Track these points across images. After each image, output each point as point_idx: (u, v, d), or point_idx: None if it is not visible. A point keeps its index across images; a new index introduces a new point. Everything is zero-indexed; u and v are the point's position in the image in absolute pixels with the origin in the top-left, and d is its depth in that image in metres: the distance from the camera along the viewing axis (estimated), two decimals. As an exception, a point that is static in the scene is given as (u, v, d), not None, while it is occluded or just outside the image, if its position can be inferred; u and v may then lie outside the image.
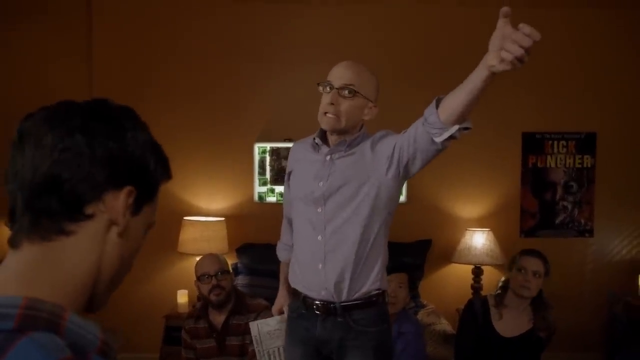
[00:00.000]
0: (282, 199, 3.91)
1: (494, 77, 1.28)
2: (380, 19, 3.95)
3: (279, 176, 3.94)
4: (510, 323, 2.34)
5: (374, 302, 1.75)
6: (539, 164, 3.99)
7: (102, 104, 0.71)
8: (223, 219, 3.81)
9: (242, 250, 3.84)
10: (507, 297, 2.37)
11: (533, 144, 3.98)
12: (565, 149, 3.98)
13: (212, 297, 2.45)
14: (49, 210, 0.65)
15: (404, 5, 3.93)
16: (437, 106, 1.47)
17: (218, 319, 2.49)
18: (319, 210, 1.75)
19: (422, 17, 3.95)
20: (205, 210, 3.93)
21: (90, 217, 0.67)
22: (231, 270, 2.62)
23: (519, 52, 1.15)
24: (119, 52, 3.92)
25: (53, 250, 0.65)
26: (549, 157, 3.98)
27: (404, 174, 1.68)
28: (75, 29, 3.89)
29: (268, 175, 3.96)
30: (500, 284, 2.45)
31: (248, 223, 3.95)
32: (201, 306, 2.60)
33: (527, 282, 2.31)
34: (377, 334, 1.75)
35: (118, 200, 0.68)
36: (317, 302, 1.76)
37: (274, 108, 3.96)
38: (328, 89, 1.72)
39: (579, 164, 3.98)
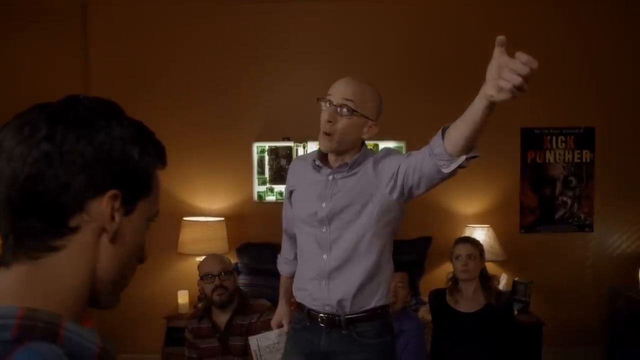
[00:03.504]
0: (281, 197, 3.92)
1: (494, 106, 1.25)
2: (378, 19, 3.94)
3: (277, 175, 3.94)
4: (467, 303, 2.62)
5: (379, 314, 1.75)
6: (538, 160, 3.99)
7: (72, 105, 0.67)
8: (222, 219, 3.81)
9: (242, 249, 3.84)
10: (459, 284, 2.66)
11: (532, 140, 3.98)
12: (564, 144, 3.98)
13: (215, 297, 2.46)
14: (30, 230, 0.63)
15: (403, 5, 3.92)
16: (443, 136, 1.44)
17: (221, 318, 2.50)
18: (324, 230, 1.74)
19: (421, 15, 3.94)
20: (205, 211, 3.93)
21: (76, 229, 0.64)
22: (233, 269, 2.62)
23: (517, 80, 1.12)
24: (115, 55, 3.92)
25: (44, 266, 0.63)
26: (548, 152, 3.98)
27: (408, 197, 1.67)
28: (71, 32, 3.88)
29: (267, 174, 3.96)
30: (449, 276, 2.74)
31: (248, 223, 3.94)
32: (204, 306, 2.60)
33: (465, 266, 2.60)
34: (382, 346, 1.74)
35: (102, 207, 0.65)
36: (321, 314, 1.75)
37: (272, 107, 3.96)
38: (327, 104, 1.69)
39: (578, 159, 3.98)
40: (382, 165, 1.69)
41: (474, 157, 1.44)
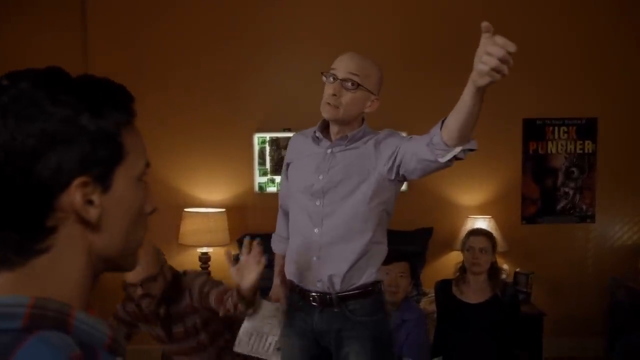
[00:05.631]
0: (282, 189, 3.91)
1: (482, 92, 1.29)
2: (379, 8, 3.91)
3: (278, 166, 3.93)
4: (473, 294, 2.59)
5: (370, 291, 1.76)
6: (540, 150, 3.97)
7: None
8: (224, 210, 3.81)
9: (243, 240, 3.83)
10: (467, 275, 2.64)
11: (534, 130, 3.96)
12: (566, 135, 3.96)
13: (143, 307, 2.10)
14: (9, 244, 0.59)
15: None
16: (441, 126, 1.47)
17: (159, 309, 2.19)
18: (318, 203, 1.76)
19: (423, 3, 3.91)
20: (206, 202, 3.92)
21: (55, 229, 0.59)
22: (162, 269, 2.11)
23: (494, 62, 1.17)
24: (114, 46, 3.89)
25: (37, 266, 0.60)
26: (550, 143, 3.97)
27: (402, 179, 1.71)
28: (70, 22, 3.85)
29: (268, 165, 3.95)
30: (458, 266, 2.71)
31: (249, 214, 3.94)
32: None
33: (475, 259, 2.57)
34: (374, 324, 1.76)
35: (72, 198, 0.59)
36: (313, 293, 1.77)
37: (273, 98, 3.94)
38: (332, 79, 1.72)
39: (580, 149, 3.96)
40: (383, 144, 1.72)
41: (472, 150, 1.47)
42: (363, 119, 1.81)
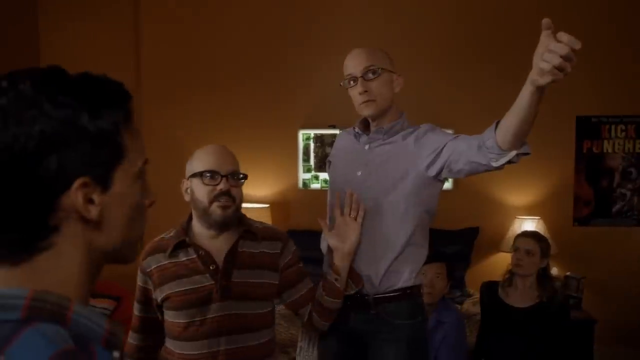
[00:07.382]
0: (326, 185, 3.92)
1: (541, 92, 1.25)
2: (428, 4, 3.84)
3: (323, 163, 3.94)
4: (519, 297, 2.50)
5: (408, 294, 1.72)
6: (594, 150, 3.81)
7: None
8: (268, 205, 3.85)
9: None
10: (514, 278, 2.56)
11: (588, 128, 3.80)
12: (624, 133, 3.78)
13: (216, 209, 1.50)
14: (13, 244, 0.60)
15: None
16: (495, 129, 1.43)
17: (216, 245, 1.54)
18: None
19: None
20: (250, 197, 3.98)
21: (58, 227, 0.61)
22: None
23: (557, 60, 1.12)
24: (165, 42, 4.00)
25: (40, 262, 0.61)
26: (605, 142, 3.80)
27: (444, 177, 1.67)
28: (123, 19, 3.99)
29: (312, 162, 3.97)
30: (508, 268, 2.64)
31: (292, 210, 3.97)
32: (181, 228, 1.58)
33: (519, 261, 2.49)
34: (411, 327, 1.72)
35: (73, 199, 0.60)
36: (350, 294, 1.74)
37: (318, 94, 3.95)
38: (352, 82, 1.72)
39: None
40: (424, 140, 1.68)
41: (526, 154, 1.43)
42: (402, 113, 1.78)
